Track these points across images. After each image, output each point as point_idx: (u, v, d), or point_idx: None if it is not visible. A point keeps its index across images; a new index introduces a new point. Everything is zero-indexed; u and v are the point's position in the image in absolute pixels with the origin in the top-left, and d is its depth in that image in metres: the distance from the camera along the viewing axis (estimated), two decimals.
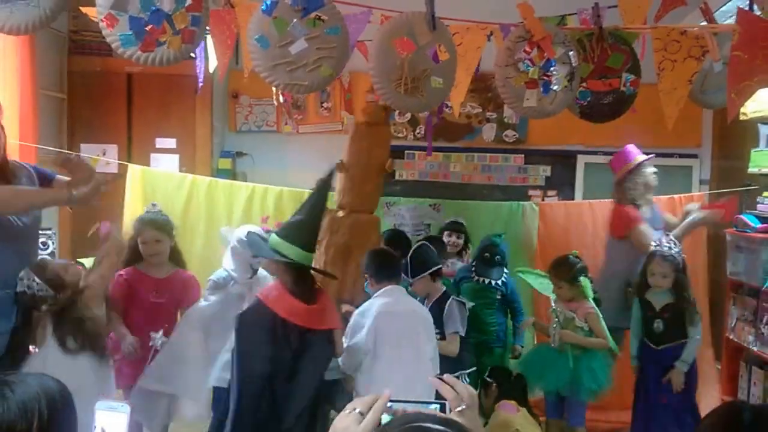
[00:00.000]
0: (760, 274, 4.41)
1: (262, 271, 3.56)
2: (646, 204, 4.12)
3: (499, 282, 3.98)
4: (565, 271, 3.69)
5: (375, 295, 3.17)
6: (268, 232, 3.86)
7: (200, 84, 3.47)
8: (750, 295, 4.57)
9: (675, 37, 2.75)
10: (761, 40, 2.57)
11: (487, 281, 3.94)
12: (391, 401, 1.19)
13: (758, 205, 4.58)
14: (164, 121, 5.47)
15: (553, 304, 3.79)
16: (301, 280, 2.74)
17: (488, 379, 3.64)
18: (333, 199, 3.90)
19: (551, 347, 3.68)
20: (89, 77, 5.33)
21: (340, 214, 3.77)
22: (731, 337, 4.51)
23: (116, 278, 3.32)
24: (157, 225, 3.40)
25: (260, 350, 2.64)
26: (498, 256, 3.95)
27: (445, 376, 1.25)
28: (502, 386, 3.60)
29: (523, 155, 5.38)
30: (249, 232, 3.30)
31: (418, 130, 5.37)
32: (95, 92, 5.33)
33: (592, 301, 3.70)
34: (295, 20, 2.61)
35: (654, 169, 4.12)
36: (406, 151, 5.46)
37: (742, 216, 4.67)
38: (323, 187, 2.83)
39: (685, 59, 2.74)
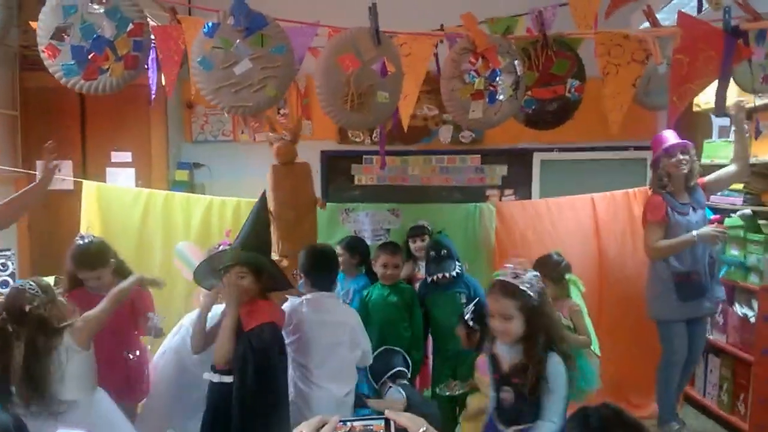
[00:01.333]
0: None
1: None
2: (677, 193, 4.02)
3: (462, 286, 3.85)
4: (550, 269, 3.59)
5: (305, 300, 3.18)
6: (229, 245, 3.85)
7: (153, 96, 3.42)
8: None
9: (618, 41, 2.79)
10: (701, 43, 2.62)
11: (442, 276, 3.77)
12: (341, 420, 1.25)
13: (711, 196, 4.68)
14: (119, 134, 5.38)
15: None
16: None
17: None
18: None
19: None
20: (42, 93, 5.20)
21: (285, 263, 3.64)
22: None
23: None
24: (91, 266, 3.27)
25: None
26: (444, 251, 3.81)
27: (386, 413, 1.27)
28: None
29: (479, 155, 5.42)
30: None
31: (375, 135, 5.37)
32: (48, 108, 5.21)
33: (576, 298, 3.65)
34: (238, 41, 2.58)
35: (682, 157, 3.93)
36: (363, 156, 5.48)
37: None
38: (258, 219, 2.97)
39: (628, 63, 2.78)
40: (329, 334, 3.09)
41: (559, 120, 2.97)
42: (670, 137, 3.95)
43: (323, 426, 1.23)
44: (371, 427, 1.27)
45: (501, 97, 2.80)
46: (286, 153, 3.75)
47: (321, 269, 3.24)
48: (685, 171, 3.93)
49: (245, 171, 5.53)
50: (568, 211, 4.75)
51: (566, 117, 2.97)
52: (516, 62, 2.79)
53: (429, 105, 5.22)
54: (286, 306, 3.16)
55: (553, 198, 4.83)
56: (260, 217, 3.00)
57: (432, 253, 3.82)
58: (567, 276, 3.64)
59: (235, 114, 2.73)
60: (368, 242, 4.72)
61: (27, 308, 2.53)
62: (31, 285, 2.63)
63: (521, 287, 2.47)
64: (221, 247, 3.93)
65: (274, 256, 3.62)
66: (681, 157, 3.90)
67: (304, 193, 3.78)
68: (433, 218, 4.71)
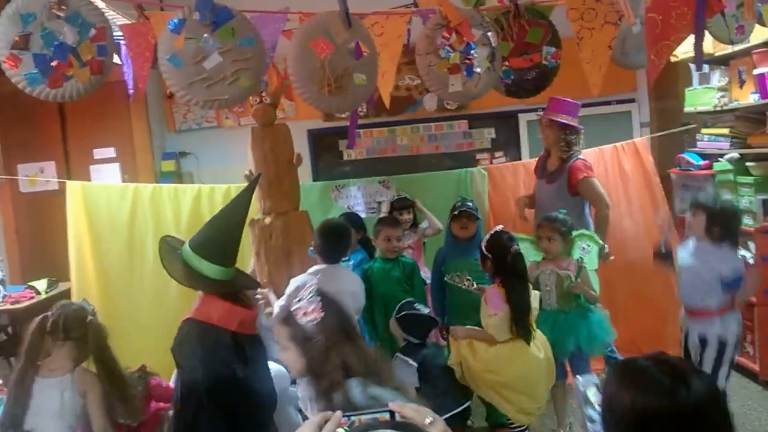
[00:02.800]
0: None
1: None
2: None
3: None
4: (560, 223, 3.56)
5: (310, 272, 3.22)
6: None
7: (130, 90, 3.38)
8: None
9: (590, 5, 2.75)
10: (672, 0, 2.58)
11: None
12: (344, 415, 1.22)
13: (698, 143, 4.69)
14: (100, 130, 5.33)
15: (538, 268, 3.58)
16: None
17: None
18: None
19: (551, 311, 3.50)
20: (19, 96, 5.12)
21: (268, 220, 3.68)
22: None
23: None
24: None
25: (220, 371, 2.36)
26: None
27: (391, 405, 1.27)
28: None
29: (466, 120, 5.38)
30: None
31: (361, 109, 5.32)
32: (27, 111, 5.12)
33: (593, 253, 3.65)
34: (205, 35, 2.54)
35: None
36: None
37: (684, 155, 4.78)
38: (241, 200, 2.55)
39: (602, 26, 2.75)
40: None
41: (539, 87, 2.95)
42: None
43: (326, 423, 1.21)
44: (376, 419, 1.26)
45: (478, 70, 2.78)
46: (264, 114, 3.77)
47: (333, 244, 3.31)
48: None
49: (233, 156, 5.48)
50: None
51: (545, 84, 2.95)
52: (489, 34, 2.76)
53: (410, 75, 5.15)
54: (296, 280, 3.16)
55: None
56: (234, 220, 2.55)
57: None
58: (574, 233, 3.63)
59: (211, 108, 2.69)
60: (362, 215, 4.73)
61: (88, 319, 2.62)
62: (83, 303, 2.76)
63: None
64: None
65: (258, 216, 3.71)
66: None
67: (283, 153, 3.77)
68: (424, 187, 4.72)
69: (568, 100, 3.89)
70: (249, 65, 2.56)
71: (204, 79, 2.55)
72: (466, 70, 2.76)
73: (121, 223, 4.51)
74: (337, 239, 3.35)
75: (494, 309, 3.11)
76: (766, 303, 3.93)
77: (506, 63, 2.88)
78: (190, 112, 5.46)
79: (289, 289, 3.14)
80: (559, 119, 3.94)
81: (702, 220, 3.14)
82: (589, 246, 3.70)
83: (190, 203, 4.67)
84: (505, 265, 3.15)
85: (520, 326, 3.11)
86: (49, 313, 2.63)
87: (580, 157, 4.05)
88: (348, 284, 3.28)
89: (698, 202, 3.24)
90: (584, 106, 5.05)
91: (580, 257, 3.61)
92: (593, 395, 2.21)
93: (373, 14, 2.88)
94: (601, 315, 3.56)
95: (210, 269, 2.37)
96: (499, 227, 3.35)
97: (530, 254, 3.66)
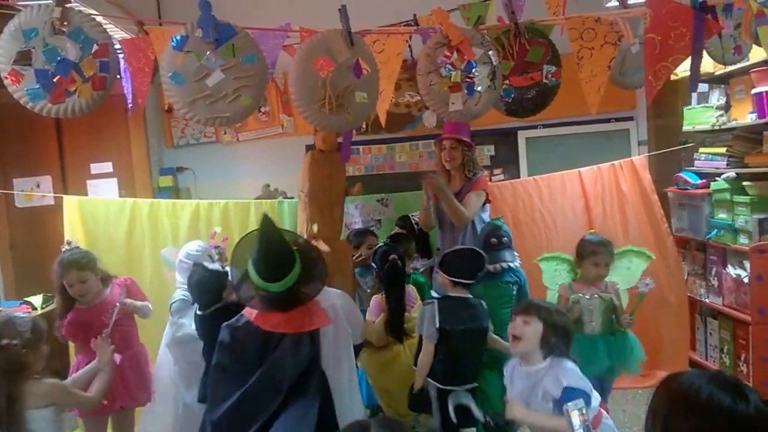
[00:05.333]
0: (704, 228, 4.55)
1: None
2: None
3: (512, 274, 3.69)
4: (610, 249, 3.51)
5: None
6: (216, 247, 3.86)
7: (129, 105, 3.38)
8: (697, 250, 4.72)
9: (590, 25, 2.77)
10: (671, 21, 2.60)
11: (502, 266, 3.64)
12: None
13: (696, 162, 4.70)
14: (97, 145, 5.34)
15: (574, 291, 3.49)
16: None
17: None
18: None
19: (595, 336, 3.40)
20: (15, 109, 5.13)
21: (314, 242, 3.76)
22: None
23: (66, 328, 3.33)
24: (79, 266, 3.30)
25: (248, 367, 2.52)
26: (505, 238, 3.70)
27: None
28: None
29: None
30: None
31: (361, 126, 5.35)
32: (23, 124, 5.14)
33: (637, 268, 3.57)
34: (208, 52, 2.54)
35: None
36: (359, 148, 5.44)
37: (682, 174, 4.79)
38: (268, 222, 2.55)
39: (601, 46, 2.77)
40: None
41: (539, 106, 2.95)
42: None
43: None
44: None
45: (479, 88, 2.79)
46: (332, 141, 3.90)
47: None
48: None
49: (231, 171, 5.51)
50: (558, 187, 4.78)
51: (546, 102, 2.96)
52: (490, 53, 2.77)
53: (410, 92, 5.18)
54: None
55: (541, 175, 4.83)
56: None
57: (493, 239, 3.68)
58: (627, 247, 3.61)
59: (213, 126, 2.69)
60: None
61: (3, 342, 2.43)
62: (23, 320, 2.57)
63: None
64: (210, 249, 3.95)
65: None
66: None
67: (339, 183, 3.92)
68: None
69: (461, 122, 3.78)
70: (251, 83, 2.56)
71: (206, 96, 2.55)
72: (467, 89, 2.76)
73: (118, 239, 4.50)
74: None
75: (372, 316, 3.45)
76: (760, 322, 3.93)
77: (507, 81, 2.90)
78: (188, 126, 5.47)
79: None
80: (463, 139, 3.99)
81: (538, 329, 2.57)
82: (630, 265, 3.61)
83: (188, 219, 4.68)
84: (382, 275, 3.45)
85: (394, 330, 3.38)
86: None
87: (480, 174, 4.09)
88: (333, 299, 3.11)
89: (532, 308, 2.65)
90: (583, 123, 5.13)
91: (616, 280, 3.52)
92: (576, 417, 2.25)
93: (375, 32, 2.88)
94: (633, 336, 3.51)
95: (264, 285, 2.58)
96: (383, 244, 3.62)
97: (563, 275, 3.61)
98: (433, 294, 3.69)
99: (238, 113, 2.58)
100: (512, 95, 2.91)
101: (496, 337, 3.25)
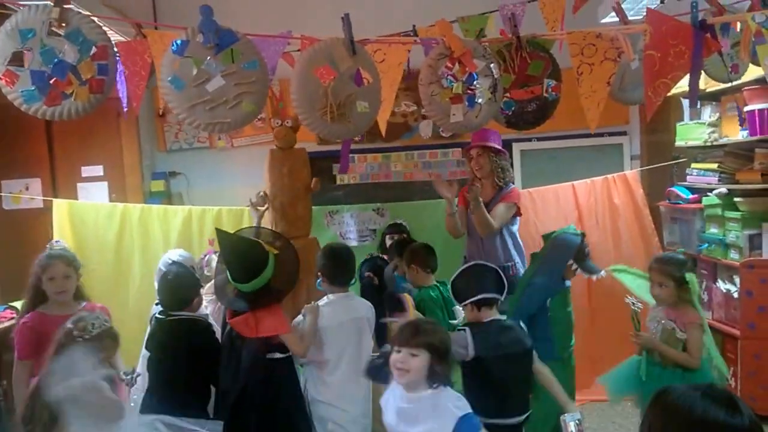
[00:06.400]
0: (695, 243, 4.59)
1: None
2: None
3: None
4: (674, 267, 3.08)
5: (322, 304, 3.13)
6: (216, 252, 3.82)
7: (125, 108, 3.35)
8: None
9: (590, 40, 2.78)
10: (671, 38, 2.61)
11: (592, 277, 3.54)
12: None
13: (688, 177, 4.74)
14: (89, 148, 5.27)
15: (650, 312, 3.25)
16: None
17: None
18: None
19: (656, 365, 3.10)
20: (4, 110, 5.07)
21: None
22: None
23: (20, 327, 3.09)
24: (67, 260, 3.21)
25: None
26: (588, 248, 3.56)
27: None
28: None
29: (461, 149, 5.39)
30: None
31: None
32: (12, 125, 5.04)
33: (698, 309, 3.08)
34: (208, 58, 2.52)
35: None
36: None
37: (673, 188, 4.83)
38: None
39: (602, 62, 2.78)
40: (345, 333, 3.09)
41: (539, 120, 2.97)
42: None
43: None
44: None
45: (480, 100, 2.79)
46: (285, 137, 3.80)
47: (341, 266, 3.18)
48: None
49: (224, 177, 5.46)
50: (551, 199, 4.80)
51: (545, 116, 2.97)
52: (492, 65, 2.78)
53: (407, 102, 5.18)
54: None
55: (535, 188, 4.84)
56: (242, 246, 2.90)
57: (587, 249, 3.55)
58: (688, 276, 3.08)
59: (212, 132, 2.67)
60: (354, 244, 4.70)
61: None
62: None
63: None
64: (207, 257, 3.92)
65: None
66: None
67: (301, 179, 3.81)
68: (418, 214, 4.72)
69: (490, 128, 3.80)
70: (252, 89, 2.55)
71: (206, 101, 2.53)
72: (467, 101, 2.76)
73: (108, 244, 4.46)
74: (346, 261, 3.22)
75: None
76: (749, 336, 3.96)
77: (507, 94, 2.90)
78: (181, 131, 5.43)
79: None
80: (491, 146, 3.94)
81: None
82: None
83: (179, 225, 4.64)
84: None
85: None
86: None
87: (513, 185, 4.07)
88: (362, 311, 3.21)
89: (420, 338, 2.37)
90: (576, 137, 5.15)
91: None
92: (573, 429, 2.22)
93: (375, 41, 2.88)
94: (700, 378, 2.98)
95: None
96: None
97: (645, 291, 3.29)
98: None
99: (239, 119, 2.56)
100: (513, 108, 2.92)
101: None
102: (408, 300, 3.55)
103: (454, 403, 2.31)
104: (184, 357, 2.92)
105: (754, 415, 1.30)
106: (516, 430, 2.78)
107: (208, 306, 3.43)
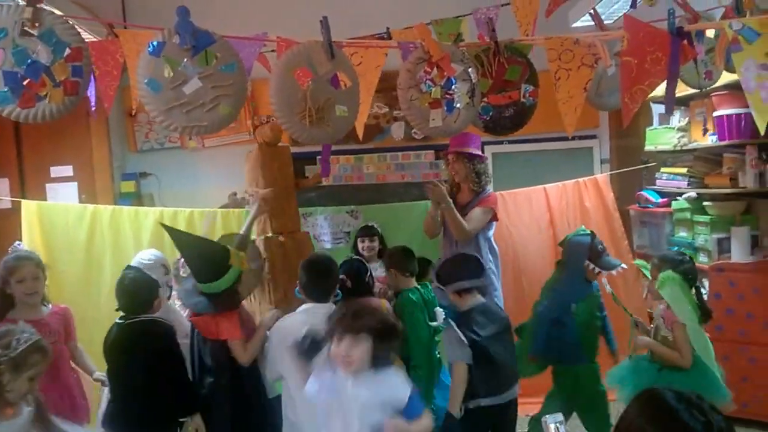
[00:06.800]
0: (665, 246, 4.67)
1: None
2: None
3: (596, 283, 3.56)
4: (665, 264, 3.19)
5: (300, 311, 3.05)
6: None
7: (93, 107, 3.29)
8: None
9: (568, 46, 2.81)
10: (647, 45, 2.65)
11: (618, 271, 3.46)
12: None
13: (657, 181, 4.83)
14: (58, 148, 5.17)
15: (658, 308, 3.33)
16: None
17: None
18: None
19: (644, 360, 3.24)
20: None
21: (281, 238, 3.71)
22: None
23: None
24: (36, 261, 3.16)
25: None
26: (601, 246, 3.53)
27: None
28: None
29: (433, 151, 5.42)
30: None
31: None
32: None
33: (684, 306, 3.10)
34: (185, 59, 2.49)
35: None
36: (317, 157, 5.39)
37: (643, 192, 4.91)
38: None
39: (579, 67, 2.81)
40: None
41: (516, 125, 2.99)
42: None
43: None
44: None
45: (458, 105, 2.80)
46: (273, 133, 3.84)
47: (321, 282, 2.99)
48: None
49: (196, 177, 5.41)
50: (524, 202, 4.84)
51: (523, 121, 2.99)
52: (470, 70, 2.79)
53: (379, 104, 5.18)
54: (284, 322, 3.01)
55: (507, 191, 4.88)
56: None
57: (600, 246, 3.51)
58: (662, 275, 3.16)
59: (190, 135, 2.63)
60: (328, 246, 4.68)
61: None
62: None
63: None
64: (182, 260, 3.86)
65: (259, 237, 3.79)
66: None
67: (289, 176, 3.88)
68: (392, 217, 4.72)
69: (470, 133, 3.81)
70: (229, 92, 2.51)
71: (183, 104, 2.49)
72: (446, 105, 2.77)
73: (78, 245, 4.37)
74: (322, 276, 3.00)
75: None
76: (718, 339, 3.92)
77: (485, 99, 2.92)
78: (152, 131, 5.36)
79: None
80: (466, 151, 3.99)
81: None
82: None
83: (151, 227, 4.56)
84: None
85: None
86: None
87: (491, 190, 4.13)
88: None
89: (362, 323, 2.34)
90: (547, 140, 5.21)
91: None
92: (554, 430, 2.24)
93: (354, 45, 2.87)
94: (701, 380, 3.06)
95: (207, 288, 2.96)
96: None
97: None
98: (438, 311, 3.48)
99: (216, 122, 2.53)
100: (490, 113, 2.94)
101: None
102: (383, 305, 3.56)
103: (401, 379, 2.34)
104: (144, 359, 2.87)
105: (724, 422, 1.31)
106: (513, 405, 3.07)
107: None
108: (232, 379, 2.94)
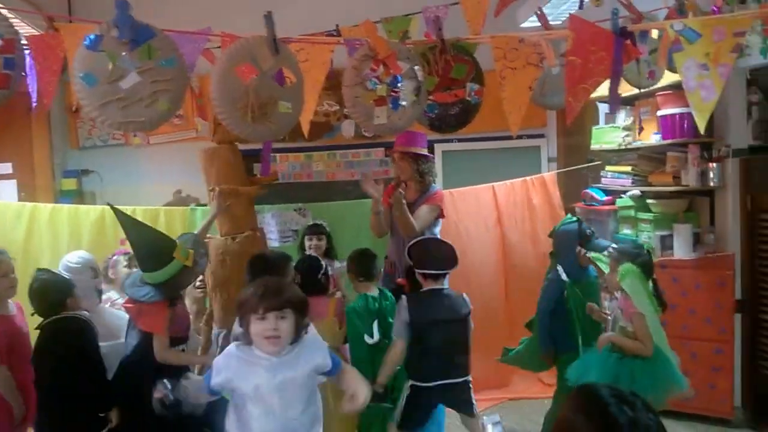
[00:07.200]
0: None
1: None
2: None
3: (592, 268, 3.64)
4: (622, 256, 3.20)
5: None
6: (126, 254, 3.69)
7: (34, 103, 3.17)
8: None
9: (513, 45, 2.82)
10: (591, 45, 2.68)
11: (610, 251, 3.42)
12: None
13: (602, 179, 4.90)
14: None
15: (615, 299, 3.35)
16: None
17: None
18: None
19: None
20: None
21: (234, 238, 3.66)
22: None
23: None
24: (8, 256, 3.11)
25: None
26: (589, 230, 3.65)
27: None
28: None
29: (383, 149, 5.41)
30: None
31: None
32: None
33: (643, 298, 3.13)
34: (123, 53, 2.41)
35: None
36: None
37: (589, 190, 4.99)
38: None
39: (524, 66, 2.82)
40: None
41: (461, 123, 2.99)
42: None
43: None
44: None
45: (404, 103, 2.79)
46: (225, 131, 3.69)
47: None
48: None
49: (140, 176, 5.29)
50: (472, 200, 4.86)
51: (468, 119, 3.00)
52: (416, 68, 2.78)
53: (329, 101, 5.15)
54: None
55: (456, 188, 4.90)
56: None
57: (588, 230, 3.64)
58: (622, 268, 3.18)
59: (126, 131, 2.55)
60: (275, 244, 4.62)
61: None
62: None
63: None
64: (114, 259, 3.76)
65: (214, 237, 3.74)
66: None
67: (242, 173, 3.84)
68: (340, 215, 4.68)
69: (417, 131, 3.85)
70: (169, 87, 2.45)
71: (120, 99, 2.41)
72: (392, 103, 2.76)
73: (15, 244, 4.20)
74: (274, 274, 2.96)
75: None
76: (675, 335, 4.05)
77: (431, 97, 2.91)
78: (95, 128, 5.21)
79: None
80: (410, 150, 4.00)
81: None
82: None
83: (91, 226, 4.44)
84: None
85: None
86: None
87: (437, 188, 4.15)
88: None
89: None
90: (496, 139, 5.25)
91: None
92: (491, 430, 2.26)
93: (298, 40, 2.83)
94: (656, 370, 3.12)
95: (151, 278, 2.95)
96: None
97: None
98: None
99: (155, 118, 2.46)
100: (436, 111, 2.93)
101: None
102: (330, 304, 3.51)
103: (317, 341, 2.39)
104: (63, 357, 2.81)
105: (652, 417, 1.33)
106: (456, 389, 3.13)
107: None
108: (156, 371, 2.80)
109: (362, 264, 3.46)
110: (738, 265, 4.08)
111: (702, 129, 2.67)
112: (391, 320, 3.35)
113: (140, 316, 2.89)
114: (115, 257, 3.77)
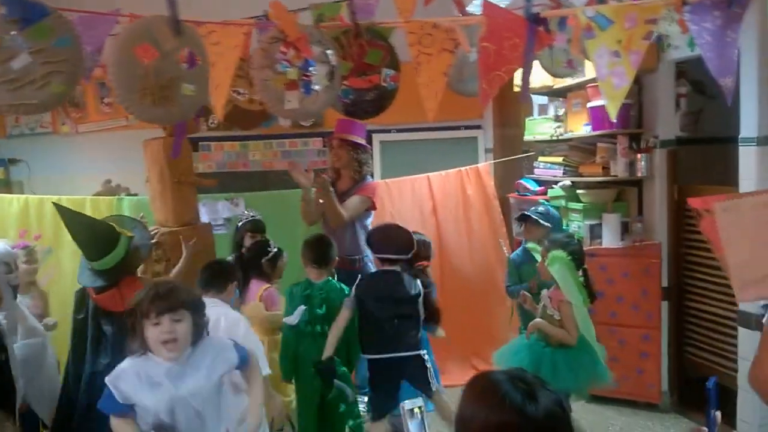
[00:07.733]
0: None
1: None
2: None
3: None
4: (553, 245, 3.28)
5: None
6: (25, 247, 3.56)
7: None
8: None
9: (428, 30, 2.78)
10: (505, 31, 2.66)
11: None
12: None
13: (535, 170, 4.93)
14: None
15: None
16: None
17: None
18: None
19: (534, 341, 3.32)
20: None
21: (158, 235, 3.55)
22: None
23: None
24: None
25: None
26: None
27: None
28: None
29: (321, 138, 5.34)
30: None
31: (211, 121, 5.16)
32: None
33: (571, 286, 3.18)
34: (13, 32, 2.30)
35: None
36: (199, 143, 5.22)
37: (522, 181, 5.01)
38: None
39: (439, 52, 2.78)
40: None
41: (378, 109, 2.95)
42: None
43: None
44: None
45: (317, 87, 2.72)
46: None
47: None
48: None
49: (69, 165, 5.15)
50: (408, 190, 4.85)
51: (384, 105, 2.96)
52: (329, 52, 2.72)
53: None
54: None
55: (392, 179, 4.87)
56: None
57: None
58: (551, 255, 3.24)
59: (16, 113, 2.44)
60: None
61: None
62: None
63: None
64: (16, 250, 3.61)
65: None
66: None
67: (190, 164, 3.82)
68: (273, 205, 4.61)
69: (356, 121, 3.79)
70: (62, 68, 2.33)
71: (10, 80, 2.29)
72: (304, 87, 2.69)
73: None
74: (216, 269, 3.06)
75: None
76: (603, 322, 4.09)
77: (345, 82, 2.86)
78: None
79: None
80: (350, 139, 3.98)
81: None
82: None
83: (15, 216, 4.31)
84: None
85: None
86: None
87: (371, 179, 4.15)
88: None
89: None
90: (433, 129, 5.23)
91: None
92: (411, 415, 2.24)
93: (211, 23, 2.74)
94: (584, 358, 3.19)
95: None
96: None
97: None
98: None
99: (47, 100, 2.34)
100: (351, 96, 2.88)
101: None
102: (260, 290, 3.49)
103: (221, 339, 2.34)
104: None
105: (558, 405, 1.31)
106: (409, 364, 3.25)
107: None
108: None
109: (314, 250, 3.48)
110: (665, 253, 4.14)
111: (613, 117, 2.67)
112: (318, 310, 3.38)
113: (120, 297, 2.79)
114: (16, 250, 3.59)
